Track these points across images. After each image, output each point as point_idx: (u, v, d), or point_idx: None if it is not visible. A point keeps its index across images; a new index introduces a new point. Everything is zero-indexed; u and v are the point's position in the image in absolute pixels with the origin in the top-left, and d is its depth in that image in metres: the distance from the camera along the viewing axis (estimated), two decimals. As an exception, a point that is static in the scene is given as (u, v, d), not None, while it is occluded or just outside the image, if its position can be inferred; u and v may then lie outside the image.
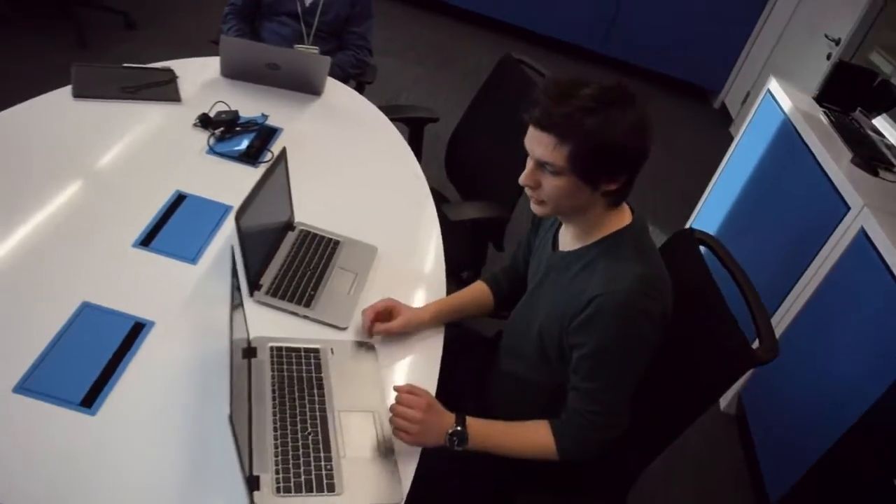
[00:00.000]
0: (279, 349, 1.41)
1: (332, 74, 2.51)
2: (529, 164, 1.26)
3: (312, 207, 1.79)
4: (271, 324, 1.48)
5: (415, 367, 1.48)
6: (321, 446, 1.26)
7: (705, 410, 1.36)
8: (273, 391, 1.33)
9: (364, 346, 1.48)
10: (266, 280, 1.57)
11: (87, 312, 1.39)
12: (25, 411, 1.20)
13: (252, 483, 1.17)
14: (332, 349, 1.45)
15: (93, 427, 1.21)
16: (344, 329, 1.51)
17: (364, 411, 1.34)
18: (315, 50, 2.60)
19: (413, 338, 1.53)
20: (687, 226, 3.47)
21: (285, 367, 1.38)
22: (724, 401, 2.68)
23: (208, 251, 1.60)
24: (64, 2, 3.59)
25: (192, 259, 1.57)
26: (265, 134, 2.05)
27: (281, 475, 1.20)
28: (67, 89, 1.97)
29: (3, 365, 1.26)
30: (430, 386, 1.43)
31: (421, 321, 1.53)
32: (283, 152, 1.64)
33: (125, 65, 2.15)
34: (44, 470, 1.13)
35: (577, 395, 1.32)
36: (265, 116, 2.09)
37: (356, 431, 1.31)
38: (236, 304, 1.32)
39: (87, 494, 1.12)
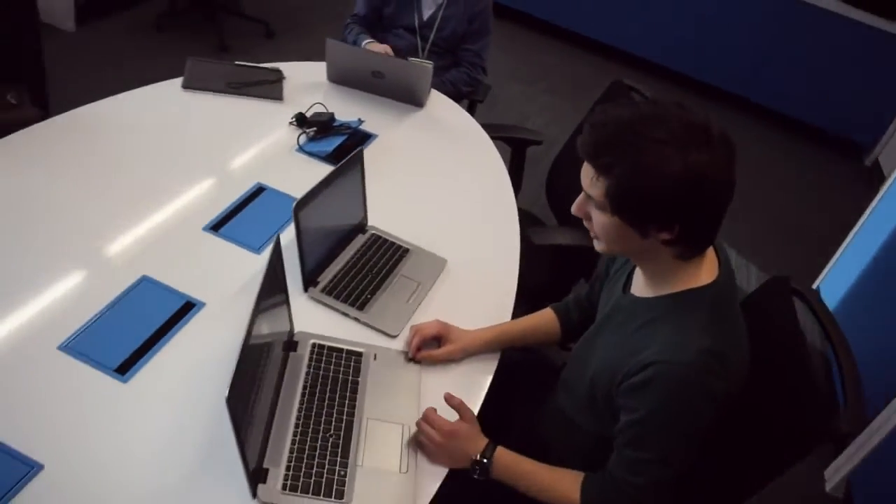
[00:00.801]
0: (321, 347, 1.38)
1: (444, 91, 2.50)
2: (582, 194, 1.16)
3: (391, 214, 1.76)
4: (320, 322, 1.45)
5: (460, 386, 1.39)
6: (340, 451, 1.20)
7: (772, 479, 1.18)
8: (304, 388, 1.29)
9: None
10: (325, 278, 1.54)
11: (144, 285, 1.42)
12: (64, 369, 1.24)
13: (258, 475, 1.13)
14: (375, 355, 1.40)
15: (122, 394, 1.22)
16: (394, 337, 1.46)
17: (394, 423, 1.28)
18: (429, 64, 2.60)
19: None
20: (815, 285, 3.16)
21: (323, 365, 1.34)
22: (831, 482, 2.37)
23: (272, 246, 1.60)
24: (211, 8, 3.84)
25: (257, 249, 1.58)
26: (358, 138, 2.05)
27: (292, 472, 1.15)
28: (179, 80, 2.08)
29: (55, 322, 1.31)
30: (473, 407, 1.34)
31: (471, 348, 1.44)
32: (359, 154, 1.62)
33: (237, 62, 2.23)
34: (65, 425, 1.16)
35: (619, 461, 1.19)
36: (361, 121, 2.10)
37: (380, 442, 1.24)
38: (276, 300, 1.30)
39: (100, 455, 1.13)
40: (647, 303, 1.21)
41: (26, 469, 1.08)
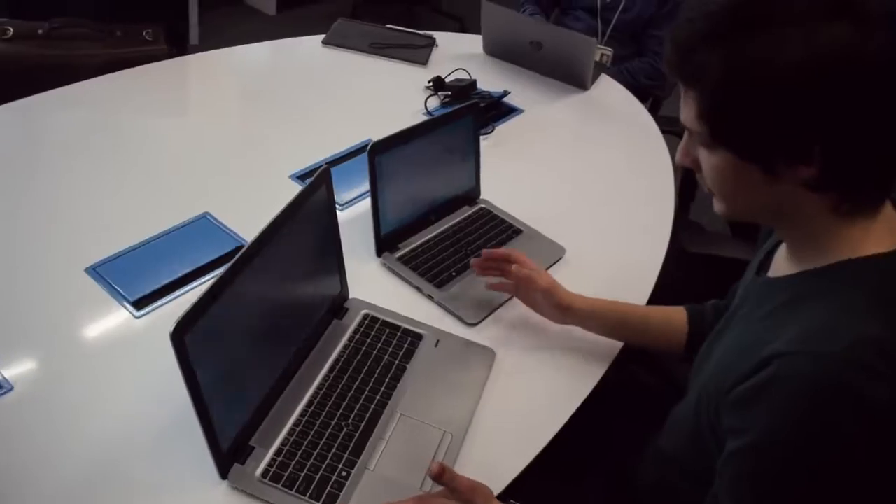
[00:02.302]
0: (374, 319, 1.12)
1: (622, 81, 2.17)
2: (685, 133, 0.81)
3: (515, 192, 1.48)
4: (386, 294, 1.19)
5: (542, 392, 1.07)
6: (352, 446, 0.93)
7: None
8: (336, 361, 1.04)
9: (482, 350, 1.11)
10: (407, 246, 1.29)
11: (202, 222, 1.27)
12: (82, 290, 1.11)
13: (237, 453, 0.89)
14: (438, 341, 1.12)
15: (129, 328, 1.07)
16: (471, 325, 1.17)
17: (433, 426, 0.98)
18: (608, 52, 2.28)
19: (559, 357, 1.12)
20: None
21: (369, 340, 1.08)
22: None
23: (360, 205, 1.39)
24: (408, 2, 3.82)
25: (340, 206, 1.38)
26: (499, 110, 1.79)
27: (281, 459, 0.90)
28: (322, 37, 1.96)
29: (93, 243, 1.19)
30: (552, 426, 1.00)
31: (565, 299, 1.11)
32: (474, 107, 1.36)
33: (389, 26, 2.08)
34: (55, 351, 1.02)
35: None
36: (506, 93, 1.83)
37: (407, 446, 0.95)
38: (318, 250, 1.07)
39: (76, 391, 0.97)
40: (785, 282, 0.81)
41: (-6, 389, 0.94)
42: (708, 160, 0.77)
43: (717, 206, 0.82)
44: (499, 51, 2.02)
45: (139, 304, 1.09)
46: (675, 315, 1.13)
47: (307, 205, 0.99)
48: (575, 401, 1.06)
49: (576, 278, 1.29)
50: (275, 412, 0.95)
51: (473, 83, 1.81)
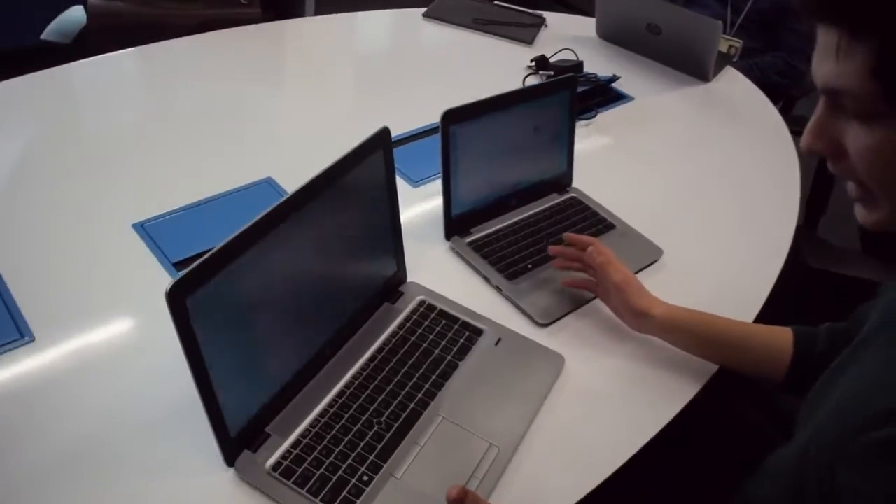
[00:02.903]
0: (430, 307, 1.00)
1: (751, 76, 1.94)
2: (819, 103, 0.57)
3: (613, 184, 1.33)
4: (450, 281, 1.07)
5: (613, 419, 0.90)
6: (381, 448, 0.81)
7: None
8: (378, 350, 0.92)
9: (549, 355, 0.96)
10: (481, 230, 1.16)
11: (263, 186, 1.19)
12: (126, 244, 1.06)
13: (248, 438, 0.79)
14: (500, 339, 0.97)
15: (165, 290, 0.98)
16: (541, 326, 1.02)
17: (479, 436, 0.84)
18: (738, 43, 2.06)
19: (640, 373, 0.95)
20: None
21: (420, 331, 0.96)
22: None
23: (436, 183, 1.26)
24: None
25: (414, 182, 1.27)
26: (606, 96, 1.62)
27: (298, 452, 0.79)
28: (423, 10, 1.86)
29: (147, 199, 1.13)
30: (614, 460, 0.84)
31: (637, 308, 0.95)
32: (571, 82, 1.20)
33: (496, 2, 1.95)
34: (82, 307, 0.95)
35: None
36: (615, 77, 1.66)
37: (444, 455, 0.82)
38: (368, 222, 0.95)
39: (98, 354, 0.90)
40: None
41: (16, 337, 0.89)
42: (868, 138, 0.54)
43: (868, 212, 0.58)
44: (613, 34, 1.85)
45: (180, 266, 1.01)
46: (780, 336, 0.93)
47: (359, 170, 0.88)
48: (652, 428, 0.89)
49: (672, 285, 1.12)
50: (300, 399, 0.85)
51: (580, 64, 1.66)
